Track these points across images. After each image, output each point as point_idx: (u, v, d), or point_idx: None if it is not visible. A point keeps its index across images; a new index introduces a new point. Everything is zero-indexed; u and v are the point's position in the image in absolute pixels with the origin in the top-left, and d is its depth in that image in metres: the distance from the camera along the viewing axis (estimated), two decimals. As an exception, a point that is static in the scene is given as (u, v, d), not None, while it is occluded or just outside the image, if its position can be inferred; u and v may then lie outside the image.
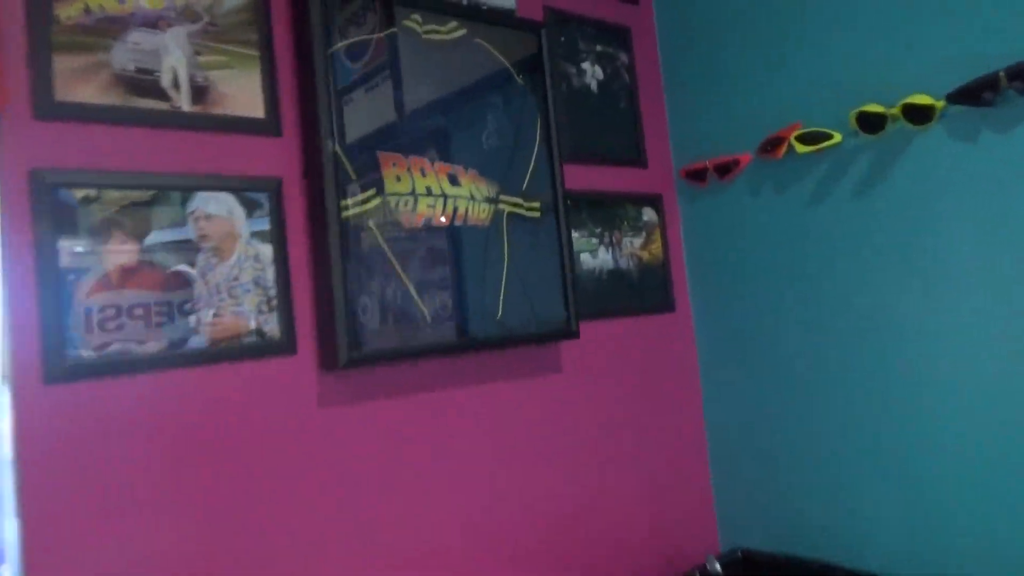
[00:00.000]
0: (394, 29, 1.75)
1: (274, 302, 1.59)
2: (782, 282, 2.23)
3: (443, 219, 1.79)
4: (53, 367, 1.33)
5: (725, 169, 2.34)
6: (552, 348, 2.08)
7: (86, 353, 1.36)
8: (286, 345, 1.60)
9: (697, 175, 2.43)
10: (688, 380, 2.45)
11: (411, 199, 1.75)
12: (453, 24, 1.88)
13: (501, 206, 1.92)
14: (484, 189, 1.89)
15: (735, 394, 2.38)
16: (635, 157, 2.41)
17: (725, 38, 2.36)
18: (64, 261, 1.36)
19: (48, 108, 1.35)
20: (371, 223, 1.66)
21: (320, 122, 1.59)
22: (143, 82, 1.48)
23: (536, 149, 2.01)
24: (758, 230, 2.29)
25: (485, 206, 1.89)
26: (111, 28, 1.45)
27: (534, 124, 2.02)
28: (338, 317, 1.58)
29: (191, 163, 1.52)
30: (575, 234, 2.16)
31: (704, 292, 2.47)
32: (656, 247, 2.41)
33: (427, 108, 1.80)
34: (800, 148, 2.12)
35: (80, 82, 1.40)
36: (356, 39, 1.71)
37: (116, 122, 1.44)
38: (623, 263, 2.30)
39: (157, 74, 1.49)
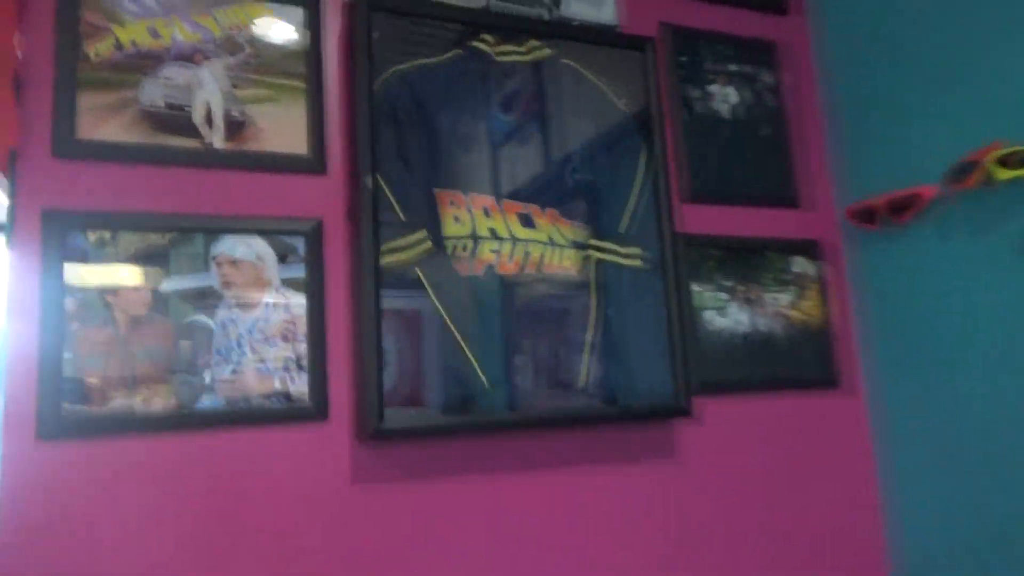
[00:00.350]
0: (458, 51, 1.55)
1: (304, 360, 1.39)
2: (992, 352, 1.66)
3: (510, 267, 1.52)
4: (48, 421, 1.22)
5: (902, 206, 1.82)
6: (658, 429, 1.68)
7: (85, 408, 1.25)
8: (316, 410, 1.39)
9: (865, 215, 1.93)
10: (858, 480, 1.89)
11: (470, 243, 1.50)
12: (533, 43, 1.64)
13: (590, 253, 1.61)
14: (569, 232, 1.59)
15: (931, 501, 1.79)
16: (782, 195, 1.97)
17: (899, 48, 1.88)
18: (69, 307, 1.27)
19: (68, 146, 1.29)
20: (418, 270, 1.43)
21: (359, 155, 1.41)
22: (172, 118, 1.38)
23: (639, 185, 1.68)
24: (951, 282, 1.74)
25: (570, 252, 1.58)
26: (143, 63, 1.38)
27: (636, 156, 1.70)
28: (367, 379, 1.34)
29: (219, 204, 1.39)
30: (696, 288, 1.77)
31: (882, 363, 1.92)
32: (811, 305, 1.93)
33: (498, 138, 1.57)
34: (1002, 174, 1.57)
35: (104, 120, 1.33)
36: (419, 62, 1.53)
37: (139, 161, 1.34)
38: (764, 325, 1.85)
39: (188, 109, 1.40)
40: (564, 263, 1.57)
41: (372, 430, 1.33)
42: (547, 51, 1.65)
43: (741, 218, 1.91)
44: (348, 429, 1.41)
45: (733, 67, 2.01)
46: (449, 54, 1.54)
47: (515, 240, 1.52)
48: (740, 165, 1.94)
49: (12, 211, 1.24)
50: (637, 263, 1.64)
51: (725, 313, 1.80)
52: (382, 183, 1.43)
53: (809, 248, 1.97)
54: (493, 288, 1.48)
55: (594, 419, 1.53)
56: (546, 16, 1.66)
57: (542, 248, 1.55)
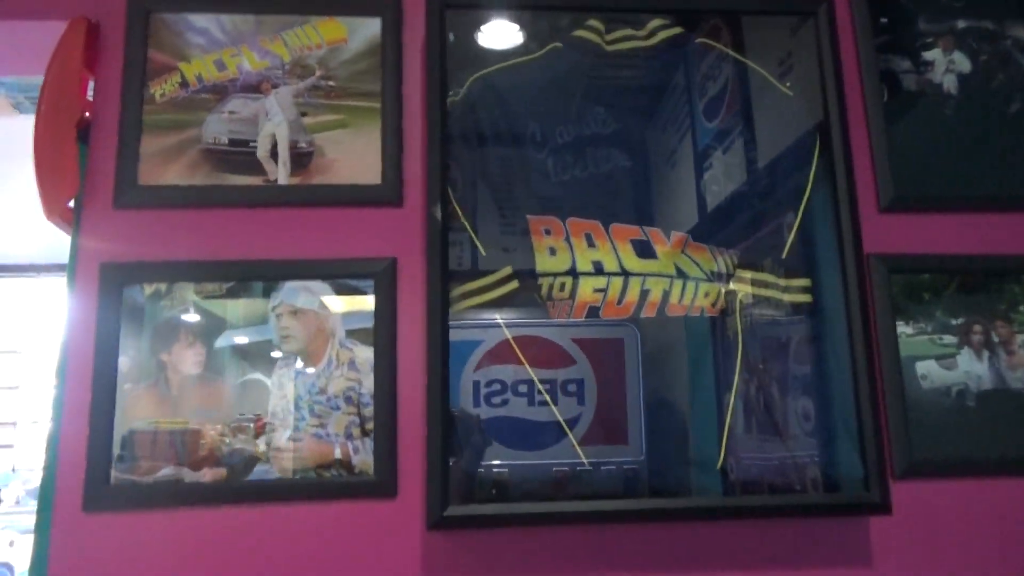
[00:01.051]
0: (556, 45, 1.26)
1: (370, 425, 1.19)
2: None
3: (620, 310, 1.19)
4: (94, 492, 1.14)
5: None
6: (840, 526, 1.22)
7: (132, 478, 1.16)
8: (382, 485, 1.17)
9: None
10: None
11: (569, 280, 1.20)
12: (657, 23, 1.30)
13: (735, 287, 1.22)
14: (705, 261, 1.22)
15: None
16: (1044, 194, 1.40)
17: None
18: (123, 367, 1.19)
19: (129, 196, 1.23)
20: (499, 317, 1.17)
21: (428, 180, 1.19)
22: (234, 156, 1.27)
23: (807, 194, 1.26)
24: None
25: (706, 287, 1.21)
26: (207, 99, 1.29)
27: (805, 153, 1.28)
28: (431, 453, 1.11)
29: (281, 246, 1.24)
30: (905, 329, 1.28)
31: None
32: (1098, 351, 1.33)
33: (605, 141, 1.25)
34: None
35: (166, 163, 1.25)
36: (506, 64, 1.27)
37: (199, 204, 1.24)
38: (1015, 380, 1.31)
39: (252, 145, 1.28)
40: (698, 302, 1.21)
41: (434, 519, 1.09)
42: (676, 30, 1.31)
43: (975, 229, 1.37)
44: (420, 510, 1.19)
45: (962, 23, 1.49)
46: (544, 50, 1.27)
47: (627, 275, 1.20)
48: (974, 156, 1.41)
49: (72, 264, 1.20)
50: (805, 298, 1.22)
51: (951, 364, 1.29)
52: (458, 211, 1.20)
53: (1094, 268, 1.37)
54: (598, 337, 1.17)
55: (739, 512, 1.15)
56: (674, -10, 1.32)
57: (666, 283, 1.20)
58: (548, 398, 1.26)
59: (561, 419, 1.26)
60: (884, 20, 1.46)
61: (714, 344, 1.35)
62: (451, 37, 1.25)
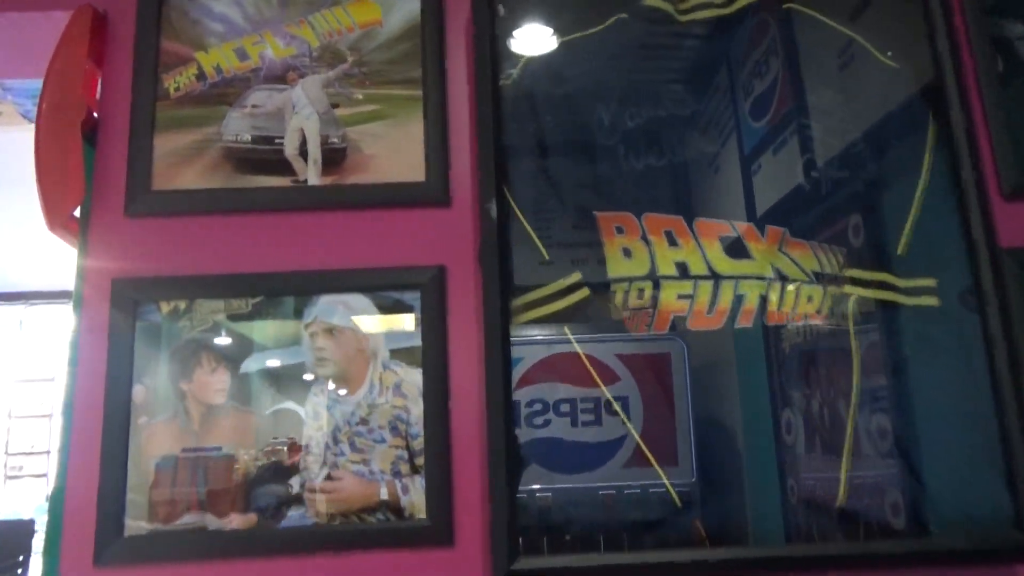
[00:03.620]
0: (621, 15, 1.11)
1: (420, 460, 1.04)
2: None
3: (712, 319, 1.03)
4: (106, 543, 1.00)
5: None
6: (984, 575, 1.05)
7: (148, 526, 1.02)
8: (437, 531, 1.01)
9: None
10: None
11: (648, 286, 1.04)
12: (739, -11, 1.15)
13: (847, 289, 1.06)
14: (808, 260, 1.06)
15: None
16: None
17: None
18: (138, 398, 1.06)
19: (142, 202, 1.09)
20: (567, 330, 1.01)
21: (482, 175, 1.04)
22: (259, 154, 1.14)
23: (925, 182, 1.09)
24: None
25: (811, 291, 1.05)
26: (228, 92, 1.16)
27: (921, 137, 1.11)
28: (495, 493, 0.95)
29: (314, 255, 1.10)
30: (1046, 335, 1.11)
31: None
32: None
33: (681, 123, 1.10)
34: None
35: (182, 165, 1.12)
36: (566, 38, 1.13)
37: (220, 210, 1.11)
38: None
39: (279, 141, 1.14)
40: (802, 308, 1.04)
41: (501, 573, 0.93)
42: (759, -3, 1.16)
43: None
44: (483, 561, 1.03)
45: (1083, -17, 1.31)
46: (609, 21, 1.12)
47: (718, 278, 1.04)
48: (1111, 131, 1.24)
49: (80, 281, 1.07)
50: (931, 301, 1.05)
51: (1103, 375, 1.11)
52: (515, 210, 1.05)
53: None
54: (683, 355, 1.01)
55: (867, 560, 0.97)
56: (755, -52, 1.17)
57: (763, 287, 1.04)
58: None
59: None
60: (993, -20, 1.30)
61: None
62: (501, 11, 1.11)
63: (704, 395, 1.31)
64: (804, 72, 1.30)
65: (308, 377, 1.07)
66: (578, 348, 1.20)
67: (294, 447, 1.05)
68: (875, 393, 1.14)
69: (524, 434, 1.16)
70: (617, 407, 1.33)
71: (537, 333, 1.19)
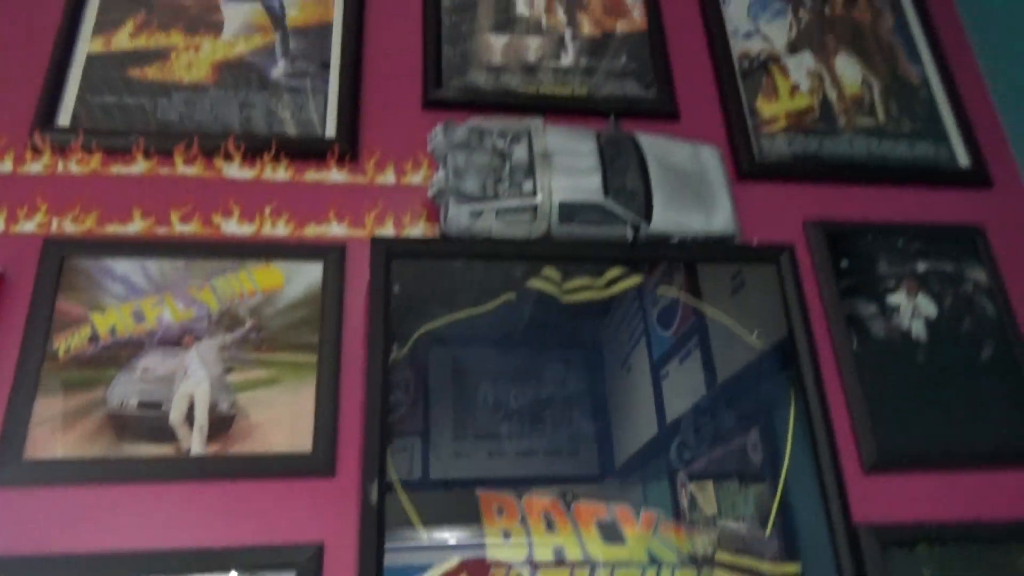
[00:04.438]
0: (508, 296, 1.21)
1: None
2: None
3: (587, 609, 1.04)
4: None
5: None
6: None
7: None
8: None
9: None
10: None
11: (526, 572, 1.06)
12: (614, 274, 1.27)
13: (718, 574, 1.10)
14: (680, 542, 1.10)
15: None
16: (1031, 449, 1.35)
17: None
18: None
19: (10, 471, 1.06)
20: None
21: (365, 452, 1.07)
22: (144, 421, 1.13)
23: (788, 458, 1.18)
24: None
25: (684, 574, 1.09)
26: (119, 354, 1.17)
27: (783, 412, 1.21)
28: None
29: (187, 532, 1.08)
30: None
31: None
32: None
33: (563, 401, 1.16)
34: None
35: (61, 431, 1.10)
36: (456, 316, 1.21)
37: (97, 480, 1.09)
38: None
39: (166, 407, 1.15)
40: (676, 593, 1.07)
41: None
42: (634, 280, 1.28)
43: (968, 492, 1.30)
44: None
45: (923, 266, 1.50)
46: (497, 301, 1.21)
47: (593, 566, 1.06)
48: (953, 408, 1.36)
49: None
50: (800, 586, 1.10)
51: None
52: (398, 488, 1.07)
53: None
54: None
55: None
56: (630, 236, 1.30)
57: (637, 573, 1.07)
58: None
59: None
60: (845, 264, 1.47)
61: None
62: (396, 288, 1.19)
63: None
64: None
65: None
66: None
67: None
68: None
69: None
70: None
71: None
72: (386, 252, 1.19)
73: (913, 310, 1.44)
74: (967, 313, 1.47)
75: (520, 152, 1.26)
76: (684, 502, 1.15)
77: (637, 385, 1.35)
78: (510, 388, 1.15)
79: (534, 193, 1.24)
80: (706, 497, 1.16)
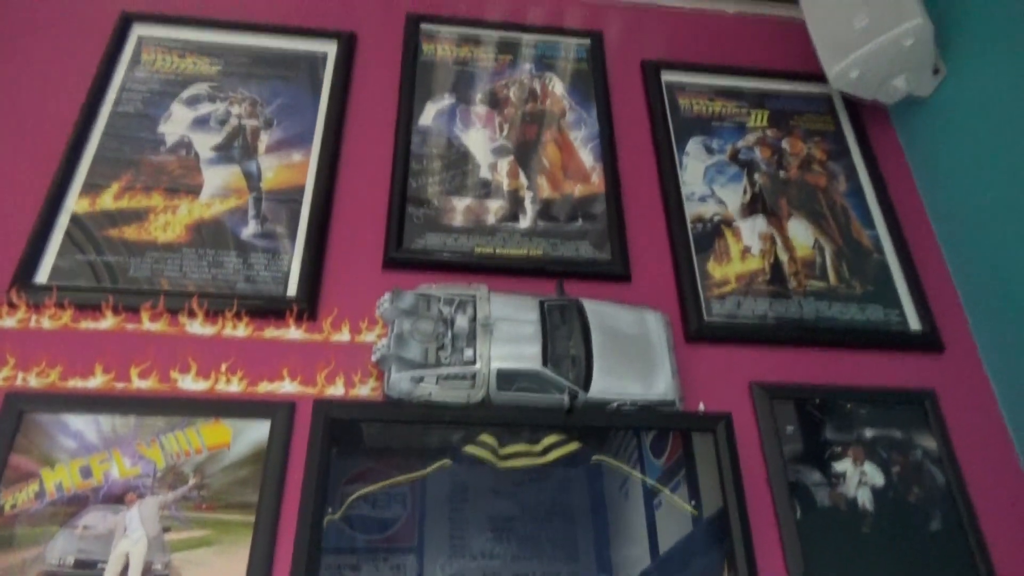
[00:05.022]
0: (444, 461, 1.25)
1: None
2: None
3: None
4: None
5: None
6: None
7: None
8: None
9: None
10: None
11: None
12: (552, 440, 1.31)
13: None
14: None
15: None
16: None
17: None
18: None
19: (-58, 629, 1.12)
20: None
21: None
22: (78, 580, 1.19)
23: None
24: None
25: None
26: (63, 511, 1.22)
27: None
28: None
29: None
30: None
31: None
32: None
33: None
34: None
35: (-4, 589, 1.16)
36: (387, 483, 1.25)
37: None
38: None
39: (101, 567, 1.19)
40: None
41: None
42: (571, 447, 1.32)
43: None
44: None
45: (870, 432, 1.52)
46: (432, 467, 1.26)
47: None
48: (902, 580, 1.36)
49: None
50: None
51: None
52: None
53: None
54: None
55: None
56: (566, 404, 1.35)
57: None
58: None
59: None
60: (790, 429, 1.51)
61: None
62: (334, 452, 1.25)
63: None
64: (643, 455, 1.44)
65: None
66: None
67: None
68: None
69: None
70: None
71: None
72: (326, 416, 1.25)
73: (860, 478, 1.46)
74: (916, 482, 1.48)
75: (462, 320, 1.34)
76: None
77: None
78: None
79: (474, 361, 1.31)
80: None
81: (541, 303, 1.42)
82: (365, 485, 1.23)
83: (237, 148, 1.68)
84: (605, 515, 1.35)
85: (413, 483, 1.25)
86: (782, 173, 1.88)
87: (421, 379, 1.29)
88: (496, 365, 1.31)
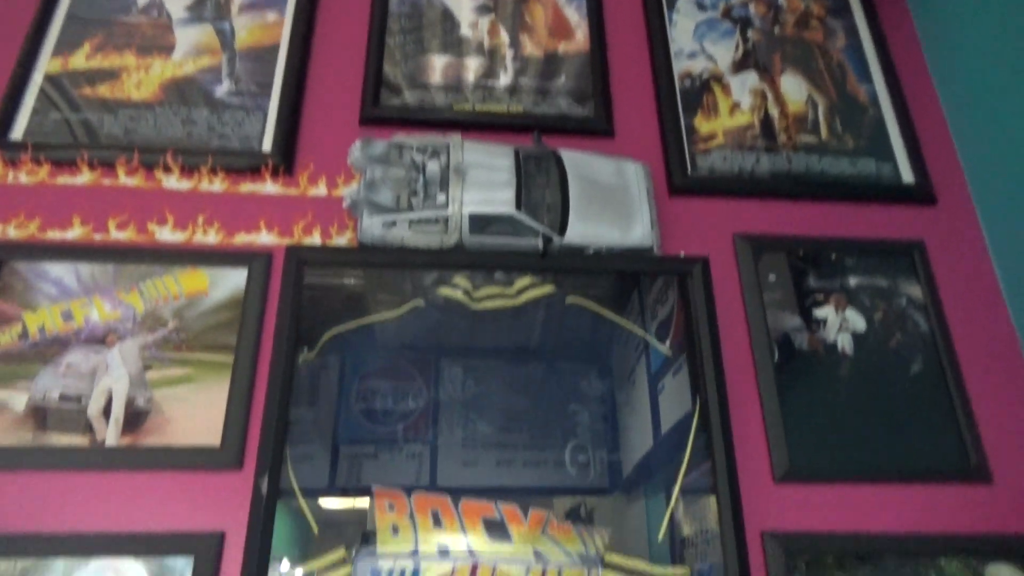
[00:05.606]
0: (417, 302, 1.28)
1: None
2: None
3: (466, 603, 1.09)
4: None
5: None
6: None
7: None
8: None
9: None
10: None
11: (409, 565, 1.11)
12: (525, 282, 1.33)
13: (606, 574, 1.13)
14: (571, 543, 1.14)
15: None
16: (953, 467, 1.33)
17: None
18: None
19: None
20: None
21: (261, 446, 1.14)
22: (63, 413, 1.23)
23: (685, 465, 1.21)
24: None
25: (570, 573, 1.12)
26: (46, 352, 1.27)
27: (685, 424, 1.24)
28: None
29: (94, 517, 1.16)
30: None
31: None
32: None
33: (463, 411, 1.22)
34: None
35: (-14, 421, 1.22)
36: (365, 320, 1.28)
37: (15, 467, 1.19)
38: None
39: (85, 401, 1.25)
40: (562, 592, 1.11)
41: None
42: (546, 289, 1.33)
43: (874, 506, 1.31)
44: None
45: (854, 280, 1.52)
46: (405, 308, 1.28)
47: (476, 561, 1.11)
48: (875, 421, 1.38)
49: None
50: (685, 589, 1.12)
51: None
52: (293, 482, 1.14)
53: (1017, 548, 1.29)
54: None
55: None
56: (540, 247, 1.36)
57: (521, 570, 1.11)
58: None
59: None
60: (772, 277, 1.51)
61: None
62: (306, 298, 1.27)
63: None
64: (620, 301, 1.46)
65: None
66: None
67: None
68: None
69: None
70: None
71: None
72: (298, 259, 1.27)
73: (840, 324, 1.47)
74: (898, 328, 1.48)
75: (434, 166, 1.34)
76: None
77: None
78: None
79: (446, 205, 1.32)
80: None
81: (516, 151, 1.42)
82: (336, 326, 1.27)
83: (209, 7, 1.66)
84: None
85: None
86: (777, 29, 1.83)
87: (393, 223, 1.31)
88: (468, 209, 1.31)
